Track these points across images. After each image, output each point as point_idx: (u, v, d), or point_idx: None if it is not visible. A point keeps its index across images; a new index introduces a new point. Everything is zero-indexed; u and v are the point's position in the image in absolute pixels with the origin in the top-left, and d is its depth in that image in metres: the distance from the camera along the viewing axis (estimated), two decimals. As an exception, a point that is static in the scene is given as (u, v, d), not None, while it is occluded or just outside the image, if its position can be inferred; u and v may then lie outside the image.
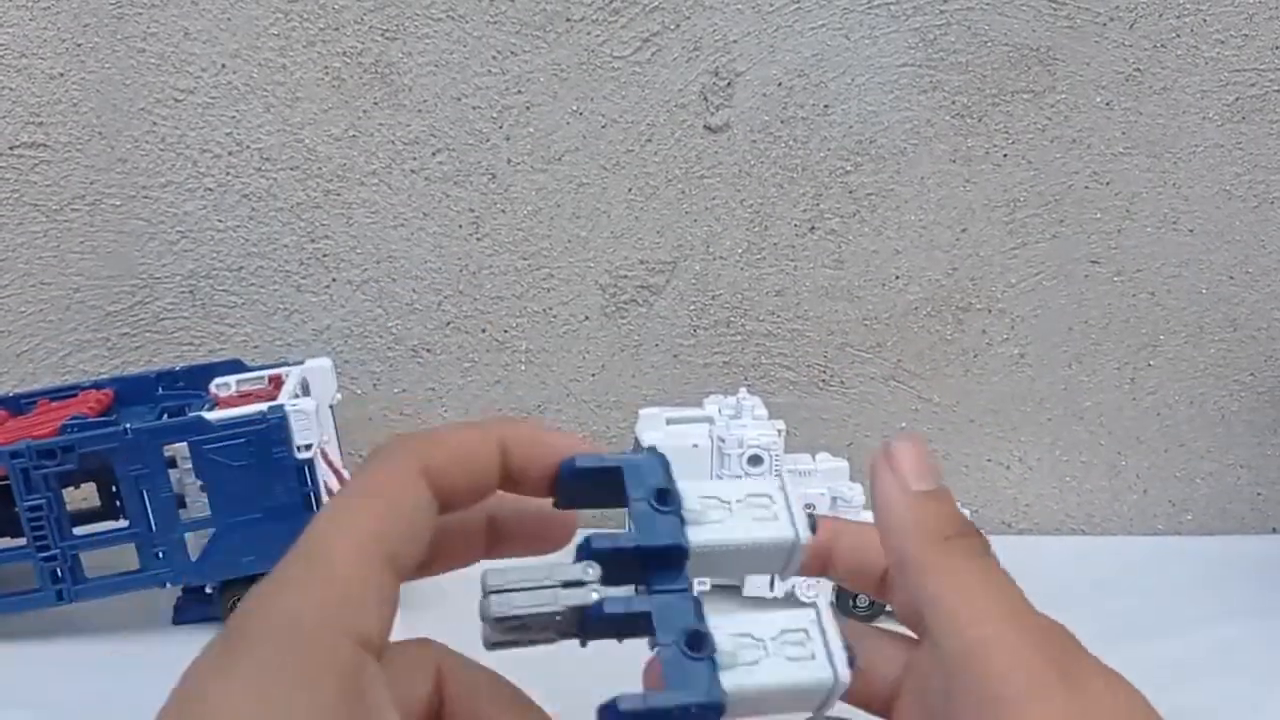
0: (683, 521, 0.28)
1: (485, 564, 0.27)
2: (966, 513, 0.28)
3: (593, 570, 0.27)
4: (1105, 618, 0.55)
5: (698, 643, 0.26)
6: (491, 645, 0.28)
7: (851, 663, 0.27)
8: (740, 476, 0.30)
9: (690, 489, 0.28)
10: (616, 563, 0.27)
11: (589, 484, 0.29)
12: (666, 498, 0.28)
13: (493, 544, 0.29)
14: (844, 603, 0.56)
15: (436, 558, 0.28)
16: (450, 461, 0.27)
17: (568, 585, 0.27)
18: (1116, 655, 0.25)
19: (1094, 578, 0.61)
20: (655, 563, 0.28)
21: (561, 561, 0.27)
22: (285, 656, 0.22)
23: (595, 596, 0.27)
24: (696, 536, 0.28)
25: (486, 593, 0.26)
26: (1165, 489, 0.68)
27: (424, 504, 0.26)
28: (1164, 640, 0.54)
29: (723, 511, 0.28)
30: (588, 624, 0.27)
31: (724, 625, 0.27)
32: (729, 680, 0.26)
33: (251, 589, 0.24)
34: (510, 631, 0.27)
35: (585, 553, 0.27)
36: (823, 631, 0.28)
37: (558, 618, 0.27)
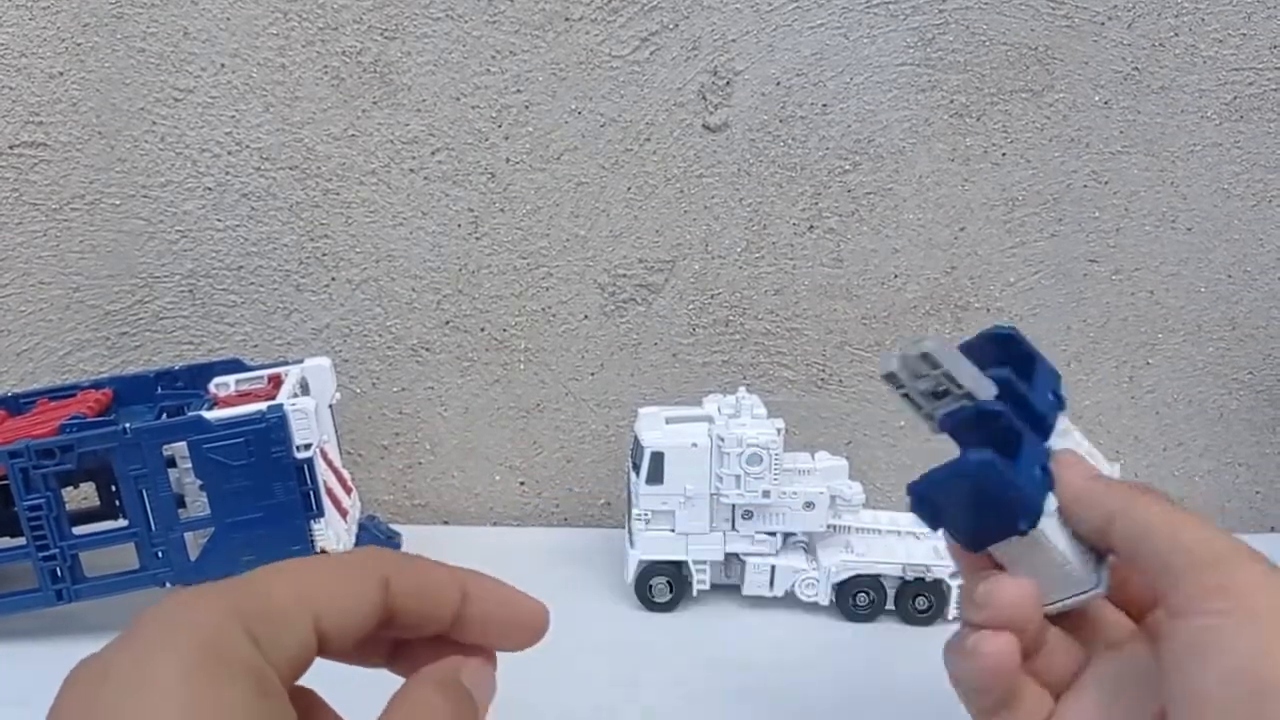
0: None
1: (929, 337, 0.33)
2: None
3: (994, 389, 0.34)
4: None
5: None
6: (885, 375, 0.34)
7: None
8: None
9: None
10: (1009, 399, 0.34)
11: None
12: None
13: (457, 637, 0.29)
14: (844, 602, 0.56)
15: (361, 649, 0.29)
16: (412, 588, 0.28)
17: (966, 395, 0.34)
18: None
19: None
20: (1031, 420, 0.35)
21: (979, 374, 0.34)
22: (199, 649, 0.23)
23: (990, 395, 0.34)
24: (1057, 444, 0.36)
25: (918, 340, 0.33)
26: (1164, 488, 0.68)
27: (368, 598, 0.27)
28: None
29: None
30: (957, 419, 0.34)
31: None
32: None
33: (170, 595, 0.26)
34: (898, 387, 0.34)
35: (998, 380, 0.34)
36: None
37: (935, 406, 0.35)
